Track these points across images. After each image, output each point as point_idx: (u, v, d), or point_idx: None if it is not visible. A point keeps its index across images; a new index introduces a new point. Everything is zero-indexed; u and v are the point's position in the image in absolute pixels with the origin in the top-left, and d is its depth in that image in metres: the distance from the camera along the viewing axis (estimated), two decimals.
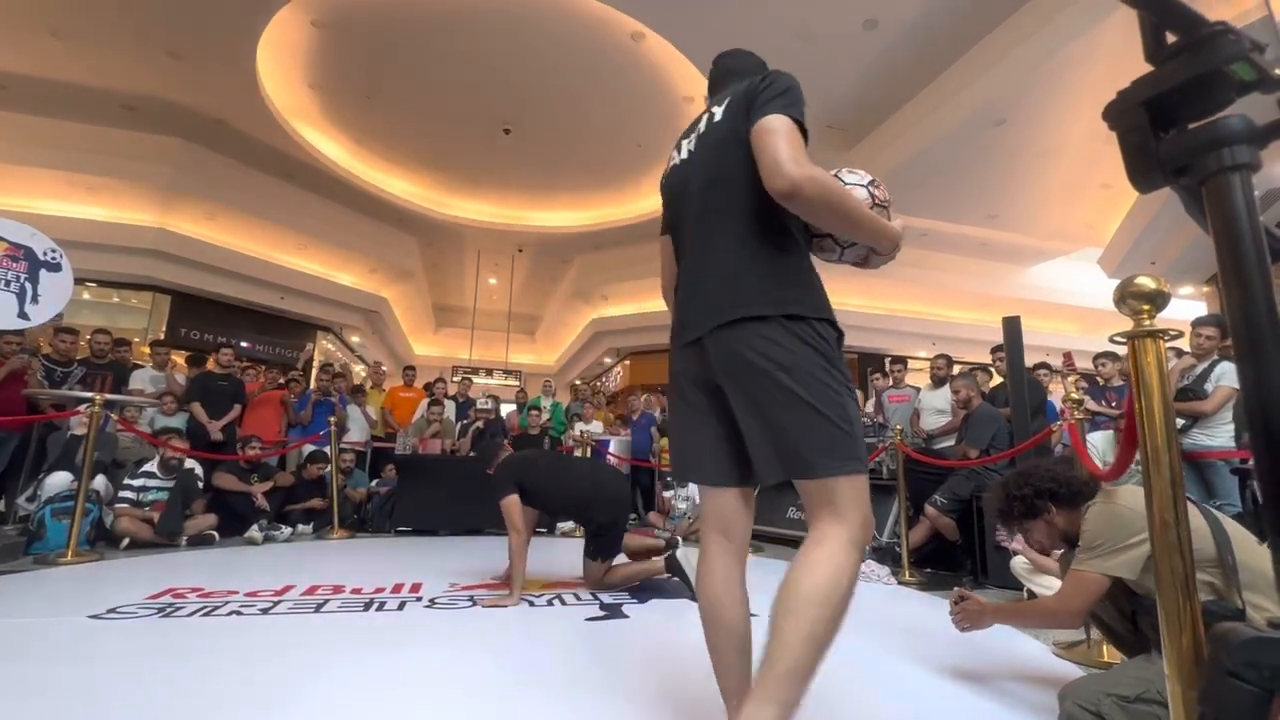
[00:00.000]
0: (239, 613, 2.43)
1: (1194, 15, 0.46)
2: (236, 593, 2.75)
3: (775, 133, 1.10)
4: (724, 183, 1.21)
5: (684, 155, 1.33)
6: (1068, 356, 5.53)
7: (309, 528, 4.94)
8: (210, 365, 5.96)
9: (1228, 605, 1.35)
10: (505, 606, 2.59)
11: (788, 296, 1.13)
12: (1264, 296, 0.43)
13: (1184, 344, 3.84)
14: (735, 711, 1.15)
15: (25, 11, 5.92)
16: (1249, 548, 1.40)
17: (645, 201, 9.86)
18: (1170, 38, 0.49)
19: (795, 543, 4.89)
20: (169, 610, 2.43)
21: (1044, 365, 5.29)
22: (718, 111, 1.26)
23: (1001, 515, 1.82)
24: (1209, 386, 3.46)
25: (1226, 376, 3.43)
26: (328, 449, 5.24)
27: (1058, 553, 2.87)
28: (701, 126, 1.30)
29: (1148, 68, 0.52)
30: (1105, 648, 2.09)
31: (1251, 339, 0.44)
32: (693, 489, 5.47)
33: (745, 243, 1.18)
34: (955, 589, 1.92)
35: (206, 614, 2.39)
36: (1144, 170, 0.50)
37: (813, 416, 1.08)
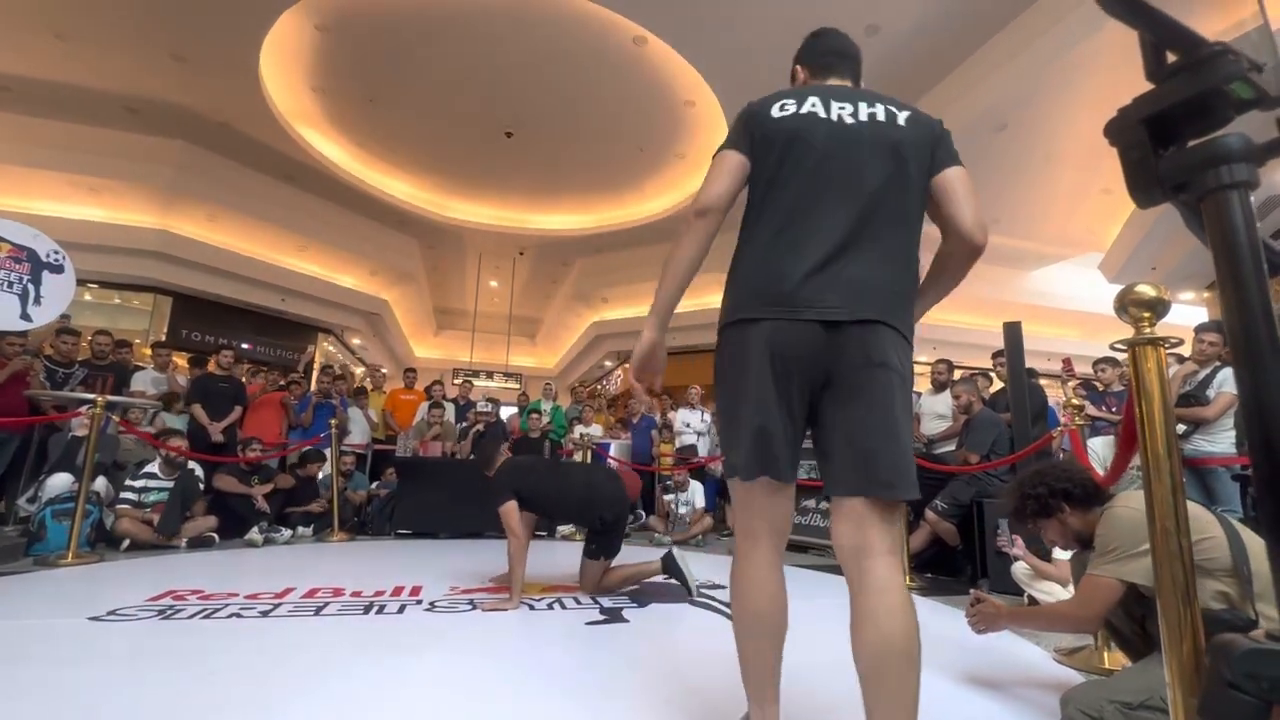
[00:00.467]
0: (239, 615, 2.43)
1: (1194, 36, 0.47)
2: (237, 595, 2.75)
3: (973, 189, 1.19)
4: (904, 188, 1.19)
5: (837, 118, 1.21)
6: (1066, 362, 5.53)
7: (309, 530, 4.94)
8: (210, 367, 5.97)
9: (1239, 615, 1.35)
10: (505, 610, 2.59)
11: (912, 323, 1.21)
12: (1262, 310, 0.44)
13: (1185, 351, 3.85)
14: (761, 710, 1.18)
15: (29, 13, 5.94)
16: (1265, 558, 1.39)
17: (647, 204, 9.88)
18: (1170, 57, 0.49)
19: (795, 546, 4.89)
20: (169, 612, 2.43)
21: (1028, 369, 5.13)
22: (900, 116, 1.22)
23: (1015, 513, 1.82)
24: (1211, 393, 3.46)
25: (1228, 383, 3.43)
26: (325, 450, 5.25)
27: (1060, 558, 2.88)
28: (879, 114, 1.22)
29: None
30: (1107, 654, 2.09)
31: (1250, 352, 0.45)
32: (695, 493, 5.47)
33: (907, 257, 1.21)
34: (972, 591, 1.93)
35: (207, 616, 2.39)
36: (1144, 186, 0.51)
37: (908, 438, 1.13)
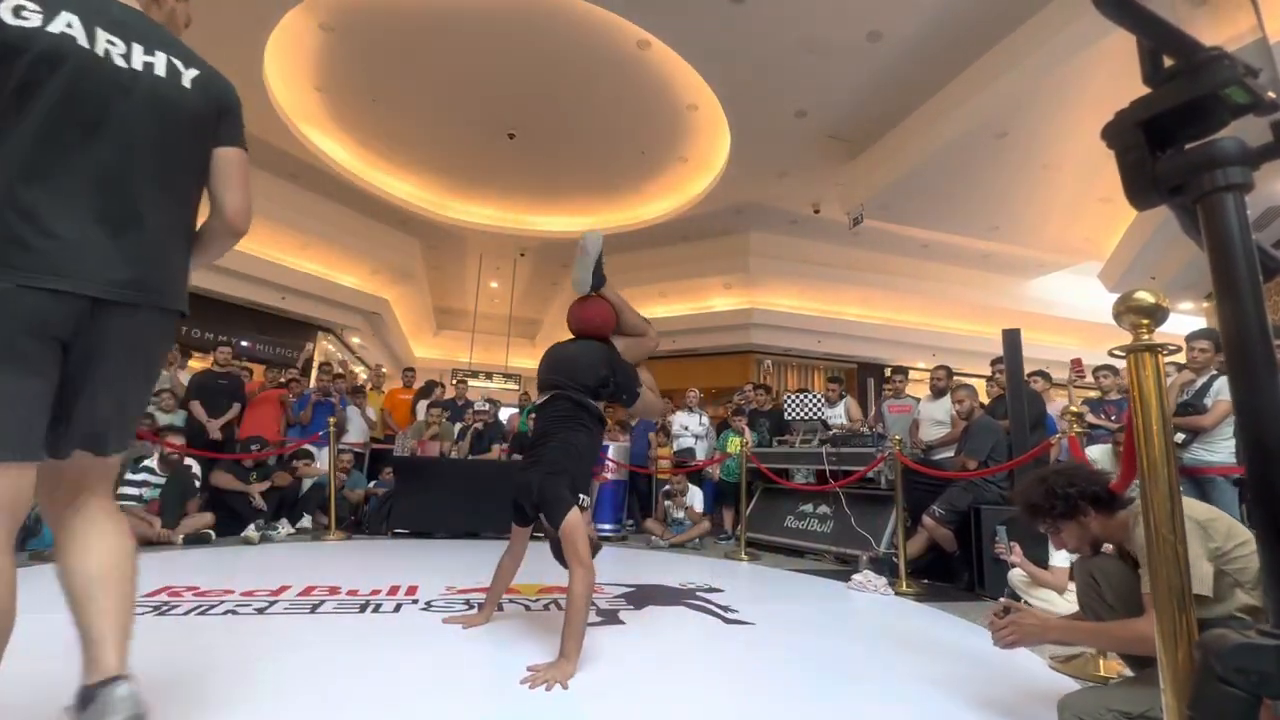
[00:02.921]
0: (234, 612, 2.43)
1: (1190, 40, 0.47)
2: (232, 592, 2.75)
3: (247, 174, 1.22)
4: (183, 155, 1.15)
5: (104, 53, 1.05)
6: (1076, 363, 5.41)
7: (307, 522, 4.94)
8: (209, 363, 5.97)
9: (1255, 626, 1.34)
10: (475, 625, 2.36)
11: (184, 293, 1.21)
12: (1256, 312, 0.44)
13: (1182, 358, 3.86)
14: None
15: None
16: None
17: (648, 207, 9.90)
18: (1167, 61, 0.50)
19: (792, 550, 4.89)
20: (164, 609, 2.43)
21: (1041, 373, 5.16)
22: (185, 74, 1.14)
23: (1036, 511, 1.72)
24: (1208, 401, 3.46)
25: (1225, 391, 3.44)
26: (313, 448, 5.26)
27: (1056, 566, 2.88)
28: (159, 67, 1.11)
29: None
30: (1102, 662, 2.09)
31: (1244, 353, 0.45)
32: (693, 497, 5.47)
33: (182, 231, 1.19)
34: (1000, 600, 1.82)
35: (201, 613, 2.39)
36: (1141, 189, 0.51)
37: (145, 402, 1.23)
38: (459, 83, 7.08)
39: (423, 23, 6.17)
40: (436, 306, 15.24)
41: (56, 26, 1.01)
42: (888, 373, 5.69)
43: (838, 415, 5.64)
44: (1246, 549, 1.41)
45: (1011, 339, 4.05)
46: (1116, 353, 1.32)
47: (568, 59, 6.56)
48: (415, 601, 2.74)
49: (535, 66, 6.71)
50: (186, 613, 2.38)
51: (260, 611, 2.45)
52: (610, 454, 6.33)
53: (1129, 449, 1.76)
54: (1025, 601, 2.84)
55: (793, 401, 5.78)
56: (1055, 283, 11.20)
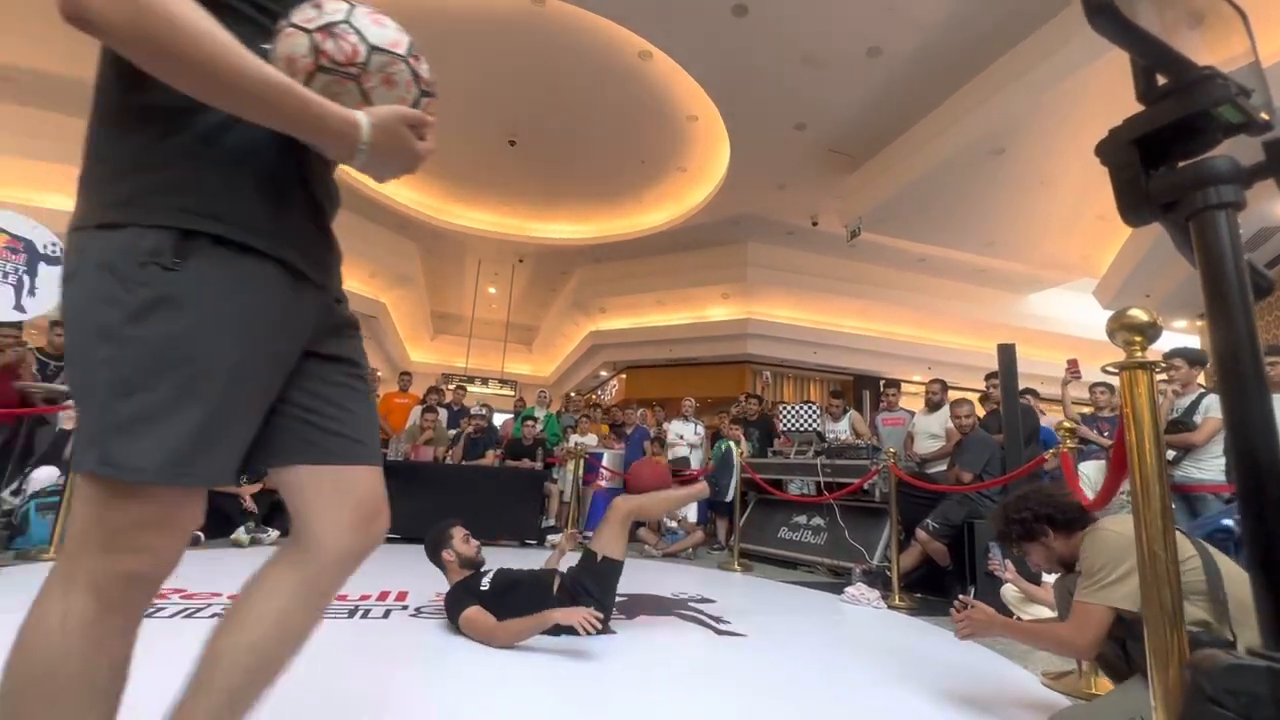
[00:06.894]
0: (221, 616, 2.39)
1: (1183, 60, 0.48)
2: (220, 595, 2.72)
3: None
4: None
5: None
6: (1072, 364, 5.35)
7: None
8: None
9: (1218, 637, 1.36)
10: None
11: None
12: (1246, 328, 0.45)
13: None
14: None
15: (33, 4, 5.97)
16: (1239, 581, 1.41)
17: (647, 216, 9.94)
18: (1161, 80, 0.50)
19: (785, 562, 4.87)
20: (150, 611, 2.39)
21: (1030, 390, 5.14)
22: None
23: (1000, 537, 1.88)
24: (1197, 418, 3.48)
25: (1214, 408, 3.45)
26: None
27: (1049, 580, 2.87)
28: None
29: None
30: (1094, 679, 2.09)
31: (1236, 370, 0.45)
32: (688, 507, 5.45)
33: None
34: (960, 597, 1.92)
35: (188, 616, 2.36)
36: (1133, 205, 0.52)
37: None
38: (461, 89, 7.11)
39: (424, 28, 6.20)
40: (434, 311, 15.22)
41: None
42: (882, 385, 5.68)
43: (842, 430, 5.60)
44: (1193, 563, 1.46)
45: (1006, 354, 4.06)
46: (1110, 369, 1.33)
47: (570, 67, 6.60)
48: (405, 607, 2.71)
49: (537, 74, 6.75)
50: (172, 615, 2.35)
51: None
52: (605, 462, 6.31)
53: (1114, 465, 1.78)
54: (1017, 616, 2.84)
55: (788, 412, 5.78)
56: (1051, 299, 11.28)
